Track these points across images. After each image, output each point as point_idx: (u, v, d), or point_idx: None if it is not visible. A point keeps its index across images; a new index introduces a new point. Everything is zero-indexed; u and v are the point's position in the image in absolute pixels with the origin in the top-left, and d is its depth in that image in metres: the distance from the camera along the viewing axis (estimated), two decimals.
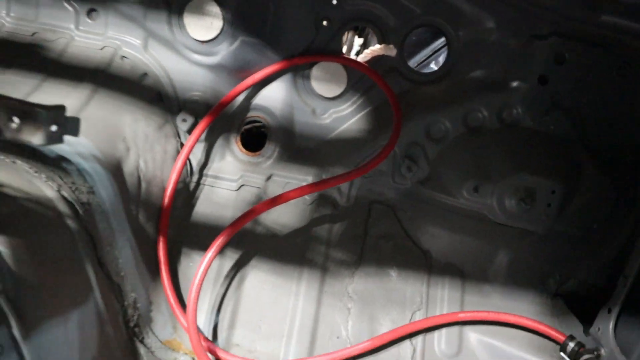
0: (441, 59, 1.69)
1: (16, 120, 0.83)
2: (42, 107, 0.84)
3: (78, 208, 1.22)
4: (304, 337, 1.54)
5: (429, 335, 1.59)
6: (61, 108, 0.87)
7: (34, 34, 1.63)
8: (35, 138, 0.85)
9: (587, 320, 1.54)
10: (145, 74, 1.64)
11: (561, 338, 1.50)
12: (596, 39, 1.55)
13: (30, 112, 0.83)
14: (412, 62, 2.24)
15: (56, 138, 0.86)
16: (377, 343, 1.51)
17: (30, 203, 1.09)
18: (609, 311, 1.43)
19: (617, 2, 1.42)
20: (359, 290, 1.62)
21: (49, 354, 1.03)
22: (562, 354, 1.50)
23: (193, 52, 1.64)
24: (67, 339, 1.11)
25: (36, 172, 1.17)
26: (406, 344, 1.57)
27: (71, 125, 0.88)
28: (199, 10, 1.59)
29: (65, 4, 1.63)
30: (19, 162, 1.16)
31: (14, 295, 0.95)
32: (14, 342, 0.94)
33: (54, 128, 0.86)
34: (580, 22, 1.52)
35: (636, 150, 1.61)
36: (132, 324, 1.40)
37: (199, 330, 1.46)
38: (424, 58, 2.22)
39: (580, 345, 1.47)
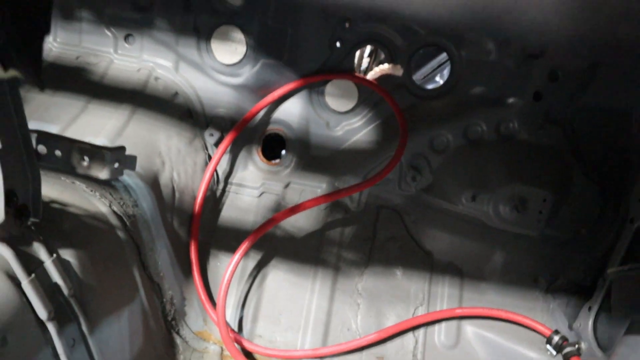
0: (446, 72, 1.82)
1: (87, 159, 1.02)
2: (107, 148, 1.03)
3: (126, 220, 1.41)
4: (318, 329, 1.73)
5: (430, 329, 1.77)
6: (122, 149, 1.06)
7: (78, 57, 1.81)
8: (101, 174, 1.04)
9: None
10: (176, 93, 1.82)
11: (547, 332, 1.67)
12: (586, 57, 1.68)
13: (98, 153, 1.02)
14: (419, 74, 2.38)
15: (118, 172, 1.05)
16: (383, 335, 1.69)
17: (88, 219, 1.28)
18: (590, 309, 1.60)
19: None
20: (368, 287, 1.81)
21: (107, 346, 1.23)
22: (547, 346, 1.68)
23: (219, 73, 1.81)
24: (120, 332, 1.31)
25: (92, 190, 1.36)
26: (409, 336, 1.75)
27: (130, 162, 1.07)
28: (225, 36, 1.76)
29: (106, 30, 1.81)
30: (77, 182, 1.35)
31: (81, 297, 1.15)
32: (83, 336, 1.14)
33: (116, 165, 1.05)
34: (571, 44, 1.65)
35: (622, 161, 1.74)
36: (169, 318, 1.61)
37: (227, 324, 1.66)
38: (430, 70, 2.36)
39: (563, 338, 1.64)
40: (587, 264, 1.77)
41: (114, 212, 1.38)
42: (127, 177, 1.49)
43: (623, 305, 1.16)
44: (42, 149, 1.03)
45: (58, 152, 1.02)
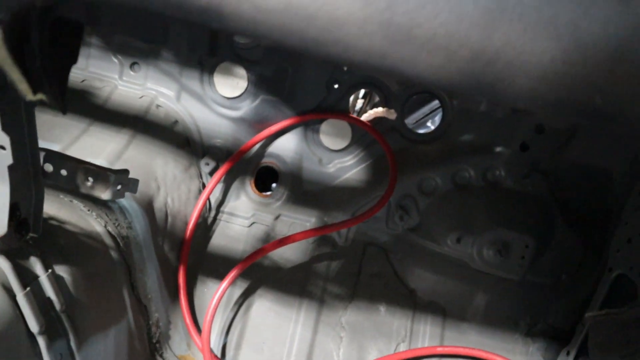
0: (437, 118, 1.90)
1: (90, 179, 1.07)
2: (111, 170, 1.08)
3: (119, 241, 1.44)
4: (300, 359, 1.75)
5: None
6: (125, 172, 1.10)
7: (83, 80, 1.88)
8: (104, 195, 1.08)
9: None
10: (176, 122, 1.88)
11: None
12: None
13: (102, 175, 1.07)
14: (412, 118, 2.46)
15: (120, 194, 1.10)
16: None
17: (84, 237, 1.31)
18: (568, 353, 1.64)
19: None
20: (351, 321, 1.83)
21: None
22: None
23: (219, 105, 1.88)
24: (106, 350, 1.33)
25: (89, 210, 1.39)
26: None
27: (132, 185, 1.12)
28: (228, 71, 1.84)
29: (112, 57, 1.88)
30: (75, 201, 1.39)
31: (72, 313, 1.17)
32: (71, 352, 1.16)
33: (118, 187, 1.09)
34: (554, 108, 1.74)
35: (604, 212, 1.81)
36: (154, 340, 1.62)
37: (212, 351, 1.67)
38: (422, 116, 2.44)
39: None
40: (566, 309, 1.82)
41: (109, 232, 1.41)
42: (124, 199, 1.52)
43: (599, 348, 1.20)
44: (48, 167, 1.07)
45: (64, 171, 1.07)
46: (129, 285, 1.48)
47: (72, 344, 1.16)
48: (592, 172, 1.81)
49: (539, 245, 1.83)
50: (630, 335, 1.08)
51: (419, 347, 1.80)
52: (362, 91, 2.73)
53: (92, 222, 1.38)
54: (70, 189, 1.08)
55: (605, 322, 1.16)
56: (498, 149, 1.84)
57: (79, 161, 1.06)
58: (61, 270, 1.18)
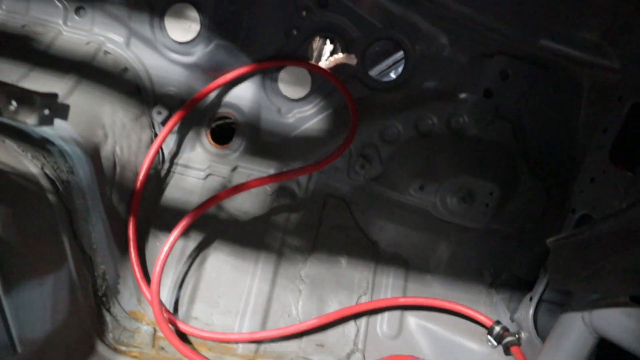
0: (400, 69, 1.84)
1: (14, 103, 0.97)
2: (38, 93, 0.99)
3: (58, 185, 1.36)
4: (257, 313, 1.69)
5: (372, 318, 1.75)
6: (54, 95, 1.01)
7: (23, 26, 1.76)
8: (29, 119, 0.99)
9: None
10: (125, 69, 1.78)
11: (489, 323, 1.67)
12: (536, 60, 1.73)
13: (27, 97, 0.98)
14: (375, 71, 2.40)
15: (48, 120, 1.00)
16: (324, 321, 1.66)
17: (17, 177, 1.23)
18: (530, 299, 1.61)
19: (552, 28, 1.61)
20: (311, 274, 1.78)
21: (25, 310, 1.17)
22: (489, 336, 1.67)
23: (171, 51, 1.78)
24: (42, 299, 1.25)
25: (23, 151, 1.30)
26: (351, 324, 1.73)
27: (61, 110, 1.03)
28: (179, 14, 1.74)
29: (56, 1, 1.76)
30: (7, 141, 1.30)
31: None
32: None
33: (46, 112, 1.00)
34: (522, 44, 1.70)
35: (567, 160, 1.78)
36: (100, 293, 1.54)
37: (161, 303, 1.60)
38: (385, 67, 2.38)
39: (504, 329, 1.64)
40: (530, 259, 1.79)
41: (46, 174, 1.33)
42: (64, 143, 1.43)
43: (560, 273, 1.16)
44: None
45: None
46: (70, 233, 1.40)
47: None
48: (556, 121, 1.78)
49: (503, 193, 1.79)
50: (589, 255, 1.04)
51: (380, 299, 1.75)
52: (326, 55, 2.67)
53: (26, 163, 1.30)
54: None
55: (566, 246, 1.12)
56: (462, 96, 1.80)
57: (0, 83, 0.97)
58: None
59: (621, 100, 1.50)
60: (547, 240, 1.20)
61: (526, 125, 1.80)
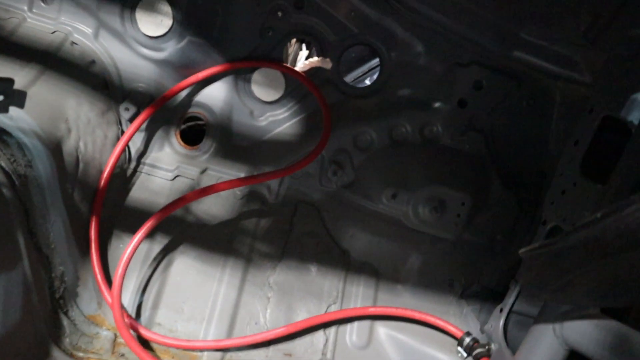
0: (376, 76, 1.83)
1: None
2: None
3: (14, 179, 1.28)
4: (223, 320, 1.63)
5: (341, 327, 1.71)
6: (9, 81, 0.95)
7: None
8: None
9: None
10: (93, 62, 1.71)
11: (459, 334, 1.65)
12: (510, 71, 1.74)
13: None
14: (350, 77, 2.38)
15: (2, 108, 0.94)
16: (292, 329, 1.61)
17: None
18: (501, 310, 1.60)
19: (526, 40, 1.62)
20: (280, 281, 1.73)
21: None
22: (459, 348, 1.65)
23: (142, 45, 1.72)
24: None
25: None
26: (319, 333, 1.68)
27: (17, 98, 0.96)
28: (151, 7, 1.69)
29: None
30: None
31: None
32: None
33: (0, 98, 0.93)
34: (496, 55, 1.71)
35: (538, 173, 1.80)
36: (57, 296, 1.46)
37: (122, 307, 1.53)
38: (361, 74, 2.37)
39: (474, 340, 1.62)
40: (501, 270, 1.79)
41: (1, 167, 1.24)
42: (23, 135, 1.35)
43: (533, 284, 1.15)
44: None
45: None
46: (25, 230, 1.31)
47: None
48: (528, 133, 1.79)
49: (475, 203, 1.79)
50: (562, 266, 1.03)
51: (350, 308, 1.72)
52: (303, 59, 2.65)
53: None
54: None
55: (538, 256, 1.11)
56: (436, 105, 1.80)
57: None
58: None
59: (592, 113, 1.52)
60: (520, 250, 1.19)
61: (499, 137, 1.81)
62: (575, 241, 1.06)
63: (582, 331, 1.22)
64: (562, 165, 1.59)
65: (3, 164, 1.25)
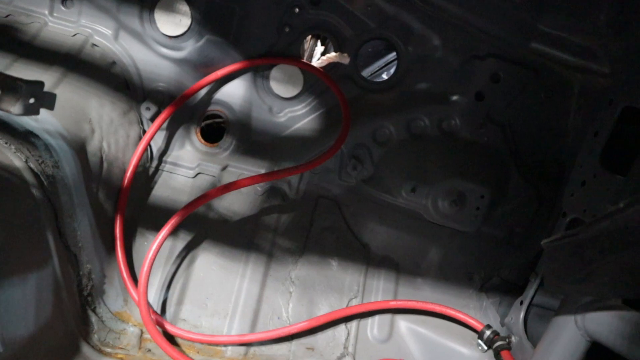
0: (392, 71, 1.83)
1: None
2: (23, 81, 0.95)
3: (43, 179, 1.31)
4: (247, 315, 1.66)
5: (363, 322, 1.72)
6: (40, 83, 0.97)
7: (8, 15, 1.70)
8: (14, 108, 0.95)
9: None
10: (114, 63, 1.74)
11: (479, 327, 1.66)
12: (528, 63, 1.73)
13: (11, 85, 0.93)
14: (366, 72, 2.39)
15: (33, 110, 0.96)
16: (314, 324, 1.63)
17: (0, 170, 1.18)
18: (521, 303, 1.60)
19: (544, 31, 1.61)
20: (301, 276, 1.75)
21: (7, 309, 1.12)
22: (479, 341, 1.66)
23: (161, 45, 1.75)
24: (25, 297, 1.19)
25: (6, 143, 1.25)
26: (341, 327, 1.70)
27: (48, 100, 0.99)
28: (170, 7, 1.70)
29: None
30: None
31: None
32: None
33: (32, 100, 0.96)
34: (513, 47, 1.70)
35: (557, 165, 1.79)
36: (85, 293, 1.49)
37: (148, 304, 1.56)
38: (377, 69, 2.37)
39: (495, 333, 1.63)
40: (520, 263, 1.79)
41: (30, 168, 1.28)
42: (50, 137, 1.39)
43: (555, 275, 1.15)
44: None
45: None
46: (54, 230, 1.35)
47: None
48: (547, 124, 1.78)
49: (494, 196, 1.78)
50: (585, 256, 1.03)
51: (371, 302, 1.73)
52: (318, 54, 2.66)
53: (9, 155, 1.24)
54: None
55: (561, 247, 1.11)
56: (454, 98, 1.79)
57: None
58: None
59: (612, 104, 1.51)
60: (542, 241, 1.19)
61: (517, 129, 1.80)
62: (598, 231, 1.07)
63: (604, 322, 1.22)
64: (581, 157, 1.58)
65: (32, 166, 1.28)
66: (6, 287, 1.12)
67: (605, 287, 1.11)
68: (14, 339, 1.14)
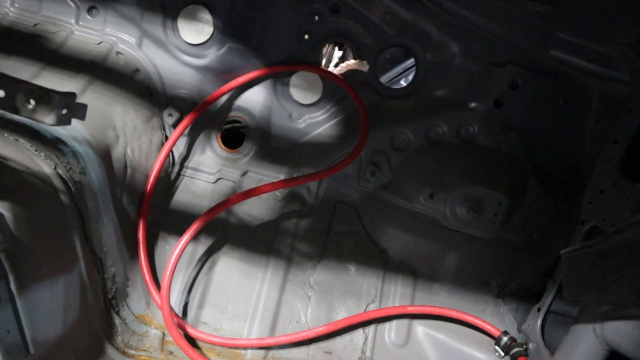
0: (410, 77, 1.85)
1: (32, 102, 0.97)
2: (56, 92, 0.98)
3: (71, 185, 1.35)
4: (266, 319, 1.68)
5: (380, 326, 1.74)
6: (72, 95, 1.01)
7: (36, 25, 1.75)
8: (48, 119, 0.98)
9: None
10: (137, 70, 1.77)
11: (496, 333, 1.67)
12: (546, 70, 1.73)
13: (45, 96, 0.97)
14: (385, 78, 2.40)
15: (65, 120, 1.00)
16: (333, 328, 1.65)
17: (30, 177, 1.21)
18: (538, 310, 1.61)
19: (563, 39, 1.62)
20: (320, 280, 1.77)
21: (38, 311, 1.16)
22: (496, 347, 1.67)
23: (183, 53, 1.78)
24: (54, 300, 1.23)
25: (36, 150, 1.29)
26: (359, 332, 1.72)
27: (79, 110, 1.02)
28: (193, 16, 1.74)
29: (68, 0, 1.75)
30: (21, 140, 1.29)
31: (13, 254, 1.08)
32: (10, 295, 1.06)
33: (64, 111, 0.99)
34: (532, 54, 1.71)
35: (575, 172, 1.79)
36: (109, 296, 1.53)
37: (171, 307, 1.59)
38: (396, 75, 2.39)
39: (512, 339, 1.64)
40: (538, 269, 1.79)
41: (59, 175, 1.32)
42: (77, 144, 1.42)
43: (574, 284, 1.16)
44: None
45: (1, 92, 0.97)
46: (81, 234, 1.38)
47: (13, 286, 1.06)
48: (565, 131, 1.78)
49: (512, 202, 1.79)
50: (605, 266, 1.04)
51: (389, 307, 1.75)
52: (336, 59, 2.68)
53: (39, 162, 1.28)
54: (10, 111, 0.97)
55: (580, 257, 1.12)
56: (472, 105, 1.80)
57: (17, 80, 0.96)
58: (1, 207, 1.08)
59: (632, 112, 1.51)
60: (562, 251, 1.20)
61: (535, 136, 1.81)
62: (617, 243, 1.08)
63: (623, 331, 1.22)
64: (600, 165, 1.58)
65: (61, 172, 1.32)
66: (36, 290, 1.16)
67: (624, 297, 1.11)
68: (44, 341, 1.18)
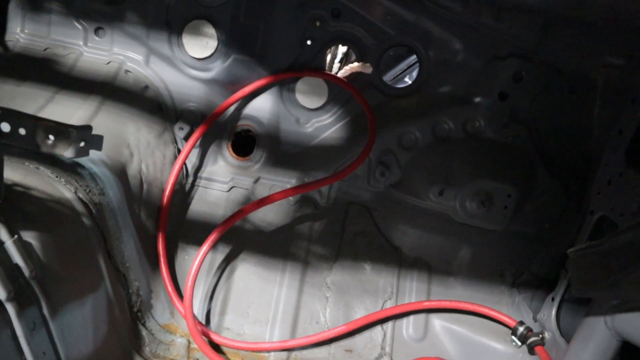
0: (415, 73, 1.87)
1: (51, 137, 1.02)
2: (73, 127, 1.03)
3: (91, 207, 1.40)
4: (286, 321, 1.73)
5: (398, 322, 1.78)
6: (88, 128, 1.05)
7: (46, 49, 1.80)
8: (66, 152, 1.03)
9: None
10: (146, 87, 1.82)
11: (512, 323, 1.70)
12: (549, 61, 1.75)
13: (63, 132, 1.02)
14: (389, 75, 2.42)
15: (84, 152, 1.05)
16: (352, 327, 1.70)
17: (52, 203, 1.27)
18: (553, 299, 1.63)
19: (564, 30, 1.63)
20: (337, 281, 1.81)
21: (70, 332, 1.21)
22: (512, 337, 1.70)
23: (190, 67, 1.82)
24: (84, 319, 1.29)
25: (57, 176, 1.34)
26: (377, 329, 1.76)
27: (96, 142, 1.07)
28: (197, 31, 1.77)
29: (75, 23, 1.80)
30: (42, 168, 1.34)
31: (43, 280, 1.13)
32: (44, 320, 1.12)
33: (82, 144, 1.04)
34: (534, 46, 1.72)
35: (584, 159, 1.80)
36: (135, 309, 1.59)
37: (194, 316, 1.65)
38: (400, 72, 2.40)
39: (528, 329, 1.67)
40: (550, 258, 1.81)
41: (80, 198, 1.37)
42: (94, 166, 1.47)
43: (581, 282, 1.19)
44: (5, 126, 1.02)
45: (22, 130, 1.02)
46: (104, 253, 1.44)
47: (45, 311, 1.12)
48: (571, 120, 1.79)
49: (522, 194, 1.81)
50: (611, 265, 1.07)
51: (405, 303, 1.79)
52: (339, 56, 2.70)
53: (60, 188, 1.33)
54: (31, 148, 1.02)
55: (587, 256, 1.15)
56: (477, 100, 1.82)
57: (37, 118, 1.01)
58: (29, 236, 1.13)
59: (635, 103, 1.52)
60: (569, 250, 1.23)
61: (542, 126, 1.82)
62: (623, 241, 1.10)
63: (634, 323, 1.25)
64: (607, 155, 1.59)
65: (81, 196, 1.37)
66: (67, 311, 1.22)
67: (632, 292, 1.14)
68: (78, 359, 1.24)
